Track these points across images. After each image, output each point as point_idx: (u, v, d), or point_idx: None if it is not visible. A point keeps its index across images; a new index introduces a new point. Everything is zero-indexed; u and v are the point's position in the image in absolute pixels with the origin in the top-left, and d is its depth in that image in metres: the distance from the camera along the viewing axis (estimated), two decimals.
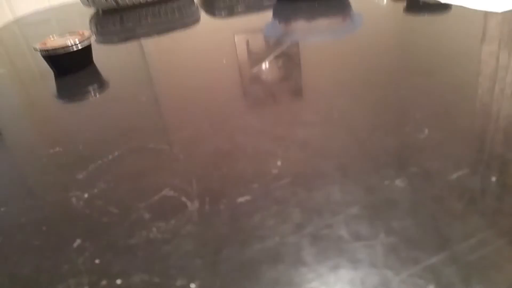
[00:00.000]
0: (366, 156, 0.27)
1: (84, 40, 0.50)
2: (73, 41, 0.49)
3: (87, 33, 0.51)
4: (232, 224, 0.23)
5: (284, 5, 0.72)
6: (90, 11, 0.89)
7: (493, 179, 0.23)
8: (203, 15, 0.80)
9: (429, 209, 0.21)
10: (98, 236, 0.23)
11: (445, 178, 0.23)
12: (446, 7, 0.54)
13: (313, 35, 0.55)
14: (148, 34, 0.67)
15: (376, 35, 0.50)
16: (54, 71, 0.51)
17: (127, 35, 0.69)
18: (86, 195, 0.27)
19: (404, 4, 0.60)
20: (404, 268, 0.18)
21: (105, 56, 0.59)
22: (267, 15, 0.70)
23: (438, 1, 0.56)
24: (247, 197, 0.25)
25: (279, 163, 0.28)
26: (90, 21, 0.83)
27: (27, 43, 0.75)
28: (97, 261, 0.21)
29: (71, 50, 0.49)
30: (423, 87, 0.35)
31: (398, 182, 0.24)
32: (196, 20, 0.77)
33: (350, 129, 0.30)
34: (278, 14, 0.69)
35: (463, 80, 0.35)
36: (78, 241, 0.23)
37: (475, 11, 0.50)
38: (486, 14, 0.49)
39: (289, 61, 0.46)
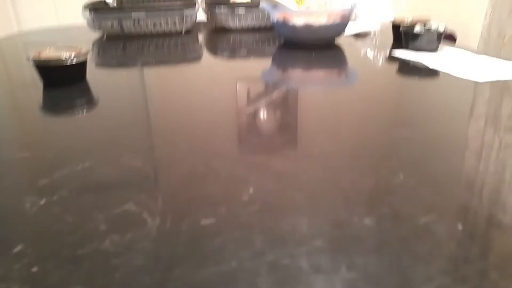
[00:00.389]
0: (339, 192, 0.26)
1: (79, 56, 0.50)
2: (67, 55, 0.49)
3: (84, 49, 0.52)
4: (190, 244, 0.22)
5: (284, 53, 0.75)
6: (95, 35, 0.91)
7: (460, 227, 0.22)
8: (206, 54, 0.81)
9: (394, 249, 0.20)
10: (44, 243, 0.22)
11: (413, 221, 0.23)
12: (435, 72, 0.56)
13: (308, 84, 0.56)
14: (147, 63, 0.68)
15: (367, 89, 0.51)
16: (44, 82, 0.51)
17: (127, 61, 0.70)
18: (42, 202, 0.26)
19: (397, 66, 0.62)
20: None
21: (100, 77, 0.60)
22: (266, 61, 0.71)
23: (427, 67, 0.58)
24: (211, 220, 0.24)
25: (251, 190, 0.27)
26: (94, 43, 0.84)
27: (25, 54, 0.76)
28: (34, 269, 0.20)
29: (63, 64, 0.49)
30: (405, 137, 0.35)
31: (367, 221, 0.23)
32: (198, 57, 0.78)
33: (328, 167, 0.30)
34: (277, 61, 0.70)
35: (443, 135, 0.36)
36: (20, 247, 0.22)
37: (459, 79, 0.52)
38: (469, 83, 0.51)
39: (281, 103, 0.46)
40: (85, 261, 0.20)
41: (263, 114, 0.42)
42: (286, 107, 0.45)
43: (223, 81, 0.56)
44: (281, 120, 0.40)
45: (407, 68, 0.61)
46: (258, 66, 0.68)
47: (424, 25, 0.67)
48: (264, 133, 0.37)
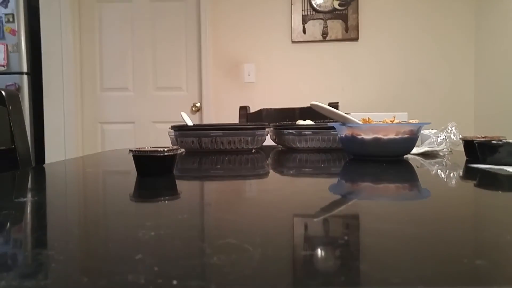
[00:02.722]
0: None
1: (170, 150, 0.55)
2: (161, 150, 0.55)
3: (176, 148, 0.57)
4: None
5: (352, 168, 0.76)
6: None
7: None
8: (272, 172, 0.85)
9: None
10: (160, 255, 0.22)
11: None
12: None
13: (378, 197, 0.55)
14: (219, 176, 0.73)
15: (443, 205, 0.48)
16: (137, 171, 0.56)
17: (201, 174, 0.76)
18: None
19: (475, 181, 0.58)
20: None
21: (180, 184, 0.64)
22: (334, 177, 0.72)
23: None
24: None
25: None
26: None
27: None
28: (155, 268, 0.20)
29: (155, 155, 0.54)
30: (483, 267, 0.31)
31: None
32: (265, 174, 0.82)
33: None
34: (345, 175, 0.71)
35: None
36: (140, 255, 0.22)
37: None
38: None
39: (349, 215, 0.45)
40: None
41: (330, 227, 0.41)
42: (356, 219, 0.44)
43: (289, 195, 0.57)
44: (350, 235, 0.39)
45: (488, 182, 0.58)
46: (326, 182, 0.68)
47: (500, 140, 0.66)
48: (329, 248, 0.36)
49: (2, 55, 2.50)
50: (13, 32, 2.50)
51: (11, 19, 2.50)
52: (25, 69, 2.51)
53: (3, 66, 2.50)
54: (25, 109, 2.45)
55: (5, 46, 2.49)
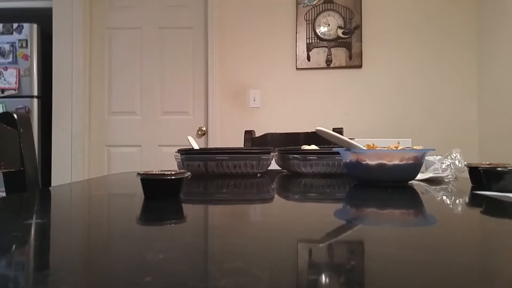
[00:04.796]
0: None
1: (177, 174, 0.56)
2: (168, 173, 0.56)
3: (183, 172, 0.58)
4: None
5: (357, 193, 0.76)
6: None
7: None
8: (277, 196, 0.85)
9: None
10: (169, 276, 0.22)
11: None
12: None
13: (384, 223, 0.55)
14: (225, 199, 0.73)
15: (450, 231, 0.48)
16: (144, 194, 0.56)
17: (207, 198, 0.76)
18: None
19: (481, 208, 0.58)
20: None
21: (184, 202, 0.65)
22: (339, 202, 0.72)
23: None
24: None
25: None
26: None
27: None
28: None
29: (162, 178, 0.55)
30: None
31: None
32: (270, 198, 0.82)
33: None
34: (350, 201, 0.71)
35: None
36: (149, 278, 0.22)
37: None
38: None
39: (355, 240, 0.46)
40: None
41: (336, 252, 0.42)
42: (362, 245, 0.44)
43: (294, 220, 0.58)
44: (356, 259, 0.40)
45: (495, 209, 0.57)
46: (331, 207, 0.68)
47: (505, 167, 0.65)
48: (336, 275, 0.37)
49: (14, 79, 2.56)
50: (26, 57, 2.56)
51: (24, 44, 2.57)
52: (35, 93, 2.57)
53: (14, 89, 2.55)
54: (34, 131, 2.48)
55: (17, 71, 2.56)
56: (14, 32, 2.56)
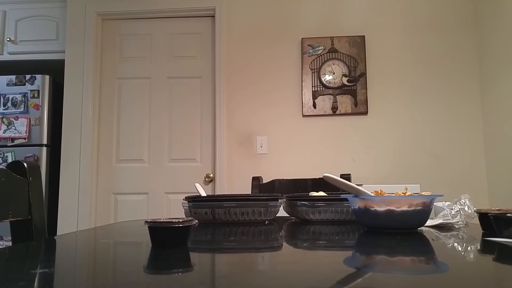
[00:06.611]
0: None
1: (185, 222, 0.56)
2: (176, 221, 0.56)
3: (191, 219, 0.58)
4: None
5: (366, 240, 0.75)
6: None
7: None
8: (286, 244, 0.84)
9: None
10: None
11: None
12: None
13: (392, 269, 0.54)
14: (232, 248, 0.72)
15: (458, 281, 0.47)
16: (152, 242, 0.56)
17: (214, 246, 0.75)
18: None
19: (493, 255, 0.57)
20: None
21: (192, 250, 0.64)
22: (349, 249, 0.71)
23: None
24: None
25: None
26: None
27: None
28: None
29: (169, 226, 0.55)
30: None
31: None
32: (279, 246, 0.80)
33: None
34: (359, 248, 0.70)
35: None
36: None
37: None
38: None
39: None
40: None
41: None
42: None
43: (304, 268, 0.56)
44: None
45: (507, 256, 0.56)
46: (341, 254, 0.67)
47: None
48: None
49: (24, 128, 2.62)
50: (37, 107, 2.64)
51: (36, 95, 2.65)
52: (45, 141, 2.61)
53: (24, 138, 2.60)
54: (42, 179, 2.50)
55: (28, 120, 2.62)
56: (26, 83, 2.66)
